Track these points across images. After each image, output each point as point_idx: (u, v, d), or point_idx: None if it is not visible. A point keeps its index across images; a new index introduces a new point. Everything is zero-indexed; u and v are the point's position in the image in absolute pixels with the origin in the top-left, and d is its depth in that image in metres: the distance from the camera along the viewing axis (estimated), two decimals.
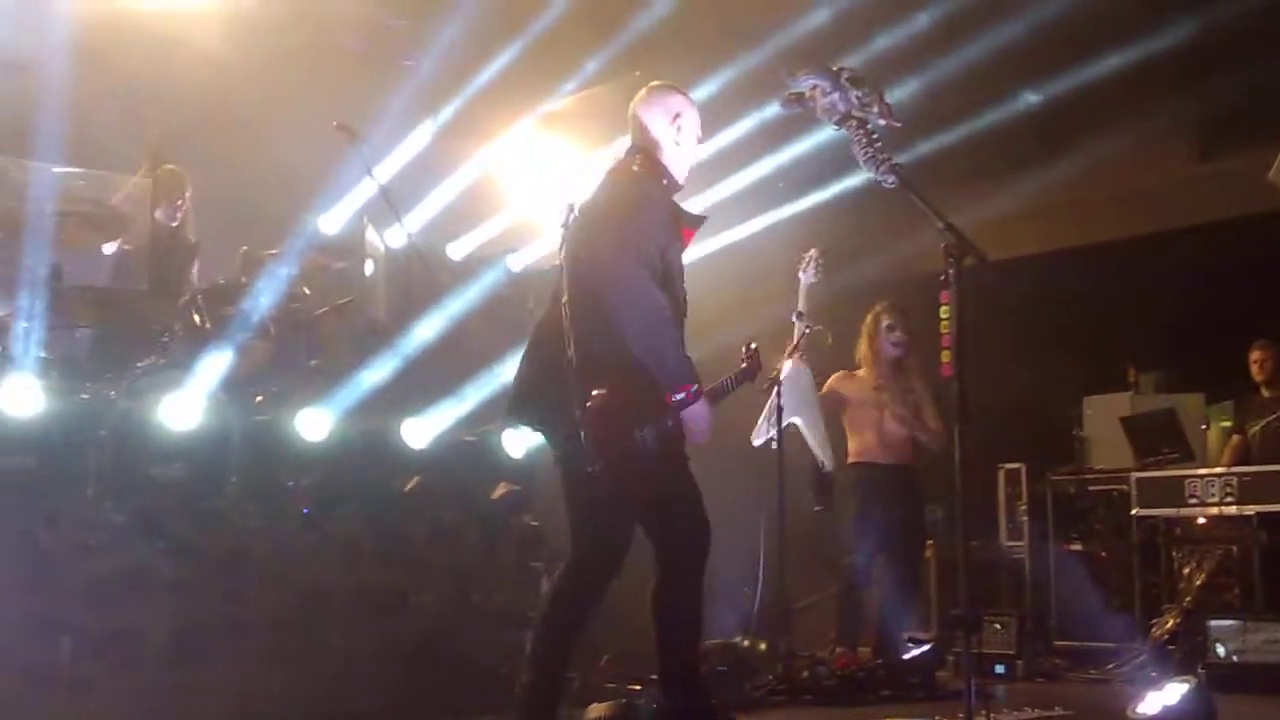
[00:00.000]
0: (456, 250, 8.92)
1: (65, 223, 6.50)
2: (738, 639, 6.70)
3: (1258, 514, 7.49)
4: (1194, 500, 7.76)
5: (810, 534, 7.63)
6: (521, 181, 9.71)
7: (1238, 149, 9.08)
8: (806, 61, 4.55)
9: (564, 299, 4.48)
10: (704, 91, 8.00)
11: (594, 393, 4.26)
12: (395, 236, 7.62)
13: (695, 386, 4.46)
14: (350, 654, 5.83)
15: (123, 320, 6.78)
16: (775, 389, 7.04)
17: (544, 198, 9.38)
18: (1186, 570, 7.72)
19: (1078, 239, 9.85)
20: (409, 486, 6.41)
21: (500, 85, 8.68)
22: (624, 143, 4.90)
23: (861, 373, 7.66)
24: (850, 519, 7.52)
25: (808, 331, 7.24)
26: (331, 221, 8.28)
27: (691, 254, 4.86)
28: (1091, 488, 8.52)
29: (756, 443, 7.05)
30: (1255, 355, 8.33)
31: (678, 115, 4.76)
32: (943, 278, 4.20)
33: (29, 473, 5.53)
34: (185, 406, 5.87)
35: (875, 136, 4.41)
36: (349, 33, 8.57)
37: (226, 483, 5.99)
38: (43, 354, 6.09)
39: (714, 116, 8.36)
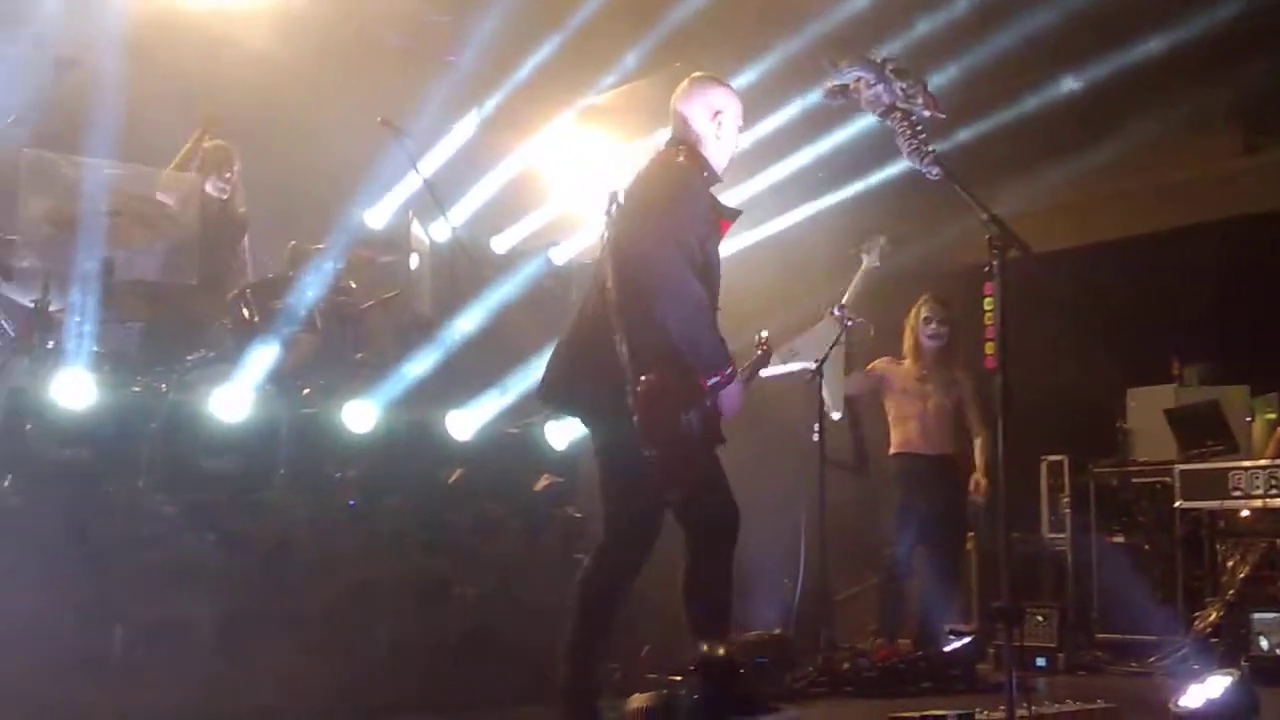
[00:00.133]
0: (500, 243, 8.97)
1: (117, 219, 6.59)
2: (778, 630, 6.71)
3: None
4: (1238, 493, 7.69)
5: (851, 525, 7.64)
6: (564, 175, 9.75)
7: None
8: (850, 53, 4.56)
9: (608, 285, 4.52)
10: (743, 80, 8.01)
11: (642, 378, 4.31)
12: (440, 230, 7.68)
13: (730, 369, 4.53)
14: (395, 644, 5.90)
15: (173, 314, 6.89)
16: (819, 379, 7.09)
17: (586, 191, 9.42)
18: (1230, 563, 7.66)
19: (1121, 231, 9.79)
20: (453, 478, 6.48)
21: (542, 79, 8.73)
22: (665, 135, 4.92)
23: (906, 363, 7.67)
24: (892, 510, 7.54)
25: (850, 325, 7.28)
26: (377, 216, 8.36)
27: (731, 245, 4.91)
28: (1135, 480, 8.46)
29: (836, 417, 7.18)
30: None
31: (719, 111, 4.80)
32: (987, 269, 4.20)
33: (82, 464, 5.64)
34: (234, 399, 5.96)
35: (919, 128, 4.42)
36: (393, 29, 8.65)
37: (274, 474, 6.08)
38: (95, 348, 6.18)
39: (753, 106, 8.38)
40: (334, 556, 5.91)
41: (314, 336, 6.84)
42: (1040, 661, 7.55)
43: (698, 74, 4.95)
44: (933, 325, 7.57)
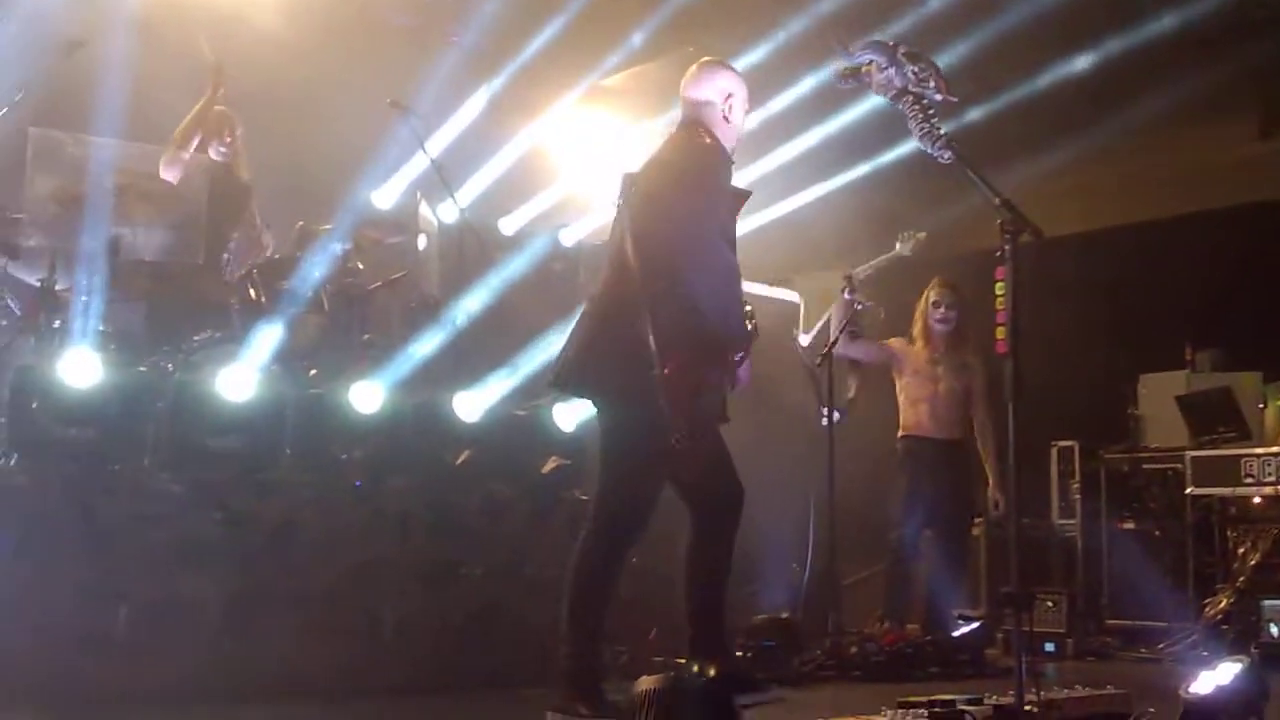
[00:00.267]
0: (508, 225, 8.94)
1: (123, 197, 6.57)
2: (786, 614, 6.70)
3: None
4: (1250, 479, 7.66)
5: (860, 510, 7.62)
6: (572, 156, 9.72)
7: None
8: (861, 36, 4.53)
9: (629, 266, 4.51)
10: (751, 60, 7.98)
11: (669, 358, 4.32)
12: (448, 211, 7.65)
13: (749, 343, 4.65)
14: (401, 624, 5.89)
15: (178, 293, 6.87)
16: (828, 363, 7.08)
17: (594, 172, 9.40)
18: (1241, 550, 7.64)
19: (1135, 216, 9.74)
20: (460, 460, 6.46)
21: (549, 59, 8.68)
22: (674, 116, 4.94)
23: (918, 346, 7.63)
24: (898, 493, 7.50)
25: (860, 309, 7.28)
26: (385, 196, 8.34)
27: (740, 227, 4.90)
28: (1146, 466, 8.43)
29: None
30: None
31: (729, 94, 4.83)
32: (998, 254, 4.17)
33: (88, 443, 5.63)
34: (240, 379, 5.94)
35: (931, 112, 4.38)
36: (398, 9, 8.60)
37: (280, 455, 6.07)
38: (101, 327, 6.17)
39: (761, 85, 8.34)
40: (340, 537, 5.89)
41: (321, 317, 6.82)
42: (1049, 647, 7.54)
43: (706, 58, 4.98)
44: (941, 310, 7.54)
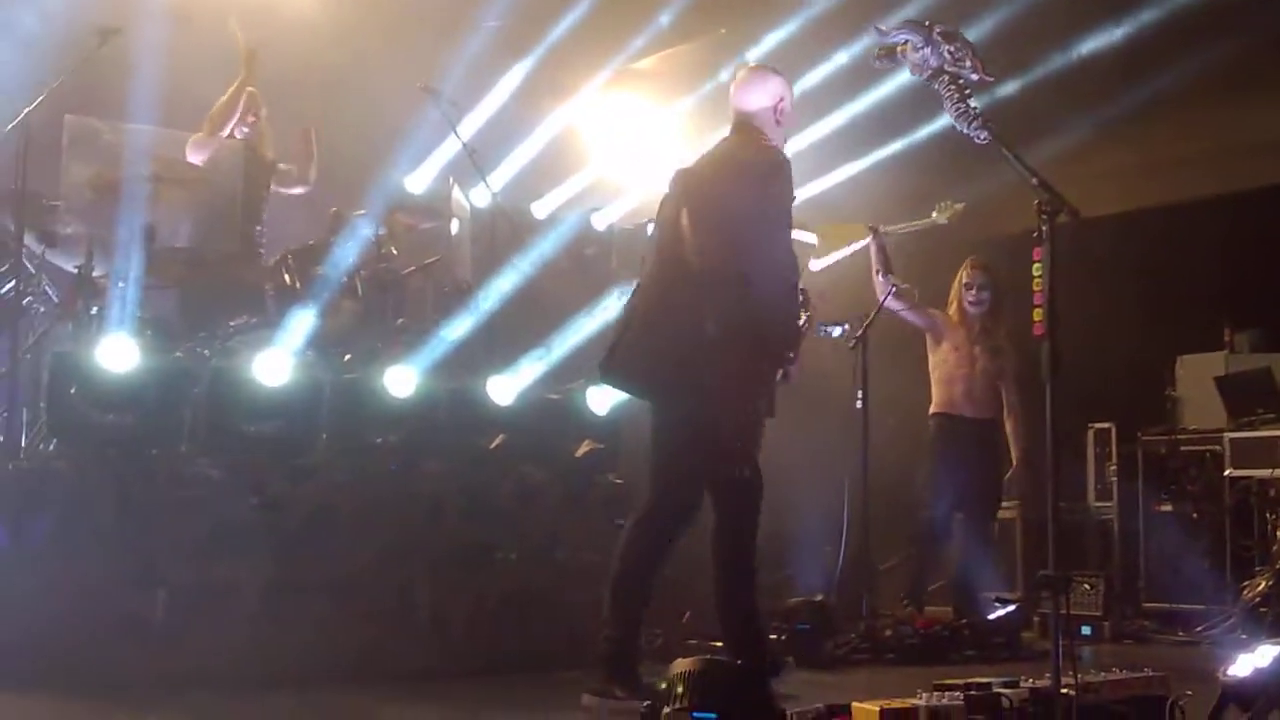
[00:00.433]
0: (541, 208, 8.94)
1: (158, 184, 6.60)
2: (820, 597, 6.68)
3: None
4: None
5: (893, 492, 7.60)
6: (604, 139, 9.69)
7: None
8: (896, 17, 4.50)
9: (685, 261, 4.64)
10: (781, 35, 7.95)
11: (732, 357, 4.50)
12: (480, 196, 7.65)
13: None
14: (436, 608, 5.91)
15: (213, 279, 6.90)
16: (862, 345, 7.06)
17: (626, 155, 9.38)
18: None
19: (1172, 196, 9.64)
20: (494, 444, 6.47)
21: (580, 41, 8.66)
22: (703, 99, 5.03)
23: (955, 324, 7.58)
24: (930, 471, 7.45)
25: (894, 289, 7.26)
26: (418, 181, 8.35)
27: None
28: (1184, 448, 8.37)
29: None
30: None
31: (780, 98, 4.98)
32: (1035, 235, 4.13)
33: (126, 429, 5.67)
34: (276, 365, 5.97)
35: (967, 91, 4.35)
36: None
37: (316, 440, 6.09)
38: (138, 313, 6.20)
39: (793, 63, 8.30)
40: (374, 521, 5.91)
41: (355, 302, 6.84)
42: (1086, 630, 7.50)
43: (755, 64, 5.23)
44: (974, 291, 7.49)
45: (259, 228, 7.22)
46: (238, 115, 7.31)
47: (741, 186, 4.73)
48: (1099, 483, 8.55)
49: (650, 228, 8.60)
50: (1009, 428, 7.47)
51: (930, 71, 4.38)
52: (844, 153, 9.12)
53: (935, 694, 3.85)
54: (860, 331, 7.16)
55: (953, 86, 4.35)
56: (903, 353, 7.80)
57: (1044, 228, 4.12)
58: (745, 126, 4.94)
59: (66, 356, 5.78)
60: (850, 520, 7.05)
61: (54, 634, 5.05)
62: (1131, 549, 8.32)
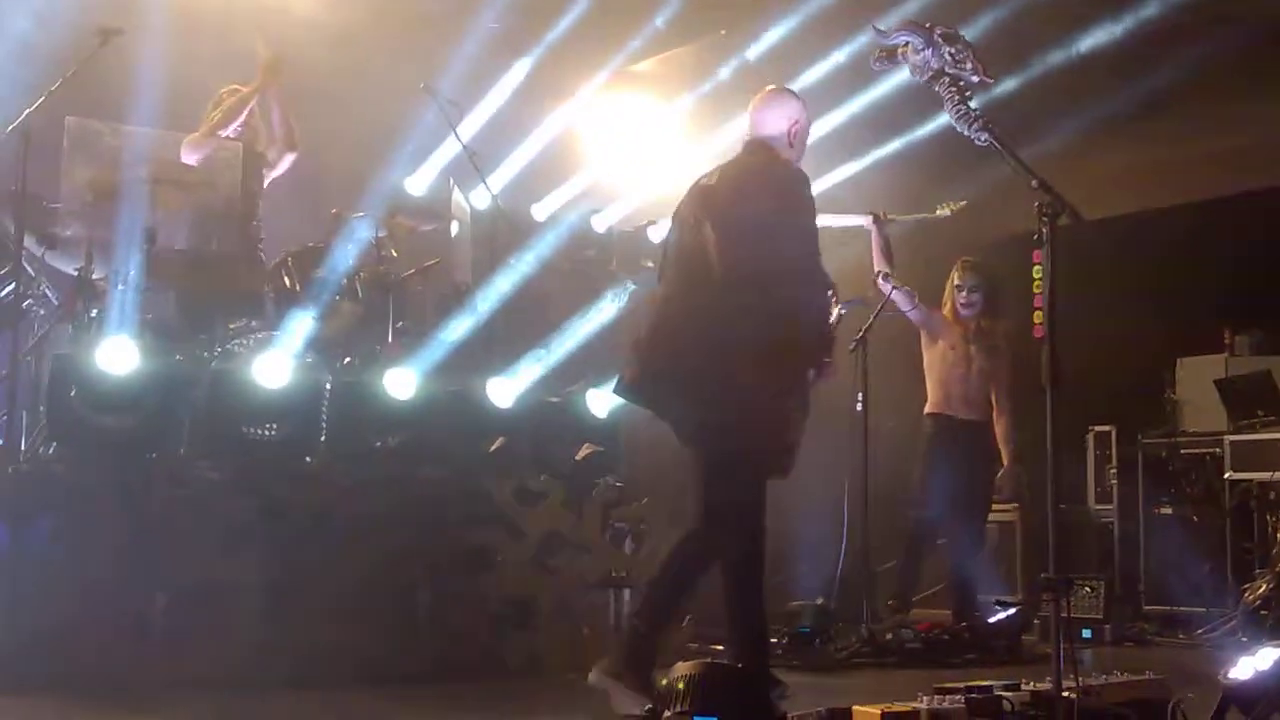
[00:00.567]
0: (541, 210, 8.94)
1: (158, 187, 6.60)
2: (820, 600, 6.68)
3: None
4: None
5: (894, 496, 7.59)
6: (604, 140, 9.69)
7: None
8: (896, 18, 4.50)
9: (709, 279, 4.70)
10: (781, 32, 7.93)
11: (770, 373, 4.58)
12: (480, 197, 7.65)
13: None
14: (436, 611, 5.91)
15: (213, 282, 6.88)
16: (862, 348, 7.05)
17: (626, 156, 9.37)
18: None
19: (1172, 198, 9.63)
20: (494, 447, 6.46)
21: (580, 42, 8.65)
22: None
23: (951, 324, 7.55)
24: (922, 471, 7.42)
25: (894, 292, 7.24)
26: (418, 183, 8.34)
27: None
28: (1184, 451, 8.38)
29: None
30: None
31: (796, 122, 5.03)
32: (1035, 237, 4.13)
33: (126, 431, 5.66)
34: (276, 367, 5.97)
35: (968, 94, 4.34)
36: None
37: (316, 442, 6.09)
38: (138, 316, 6.19)
39: (791, 61, 8.27)
40: (375, 524, 5.90)
41: (355, 305, 6.83)
42: (1087, 633, 7.49)
43: (774, 87, 5.21)
44: (964, 293, 7.46)
45: (256, 223, 7.20)
46: (238, 122, 7.29)
47: (768, 199, 4.79)
48: (1099, 485, 8.55)
49: (650, 231, 8.67)
50: (998, 429, 7.44)
51: (931, 73, 4.37)
52: (843, 152, 9.10)
53: (936, 697, 3.85)
54: (860, 334, 7.15)
55: (953, 88, 4.35)
56: (902, 354, 7.78)
57: (1045, 230, 4.12)
58: (761, 147, 5.00)
59: (66, 359, 5.78)
60: (850, 523, 7.04)
61: (55, 637, 5.06)
62: (1132, 552, 8.32)
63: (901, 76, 4.60)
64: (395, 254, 7.27)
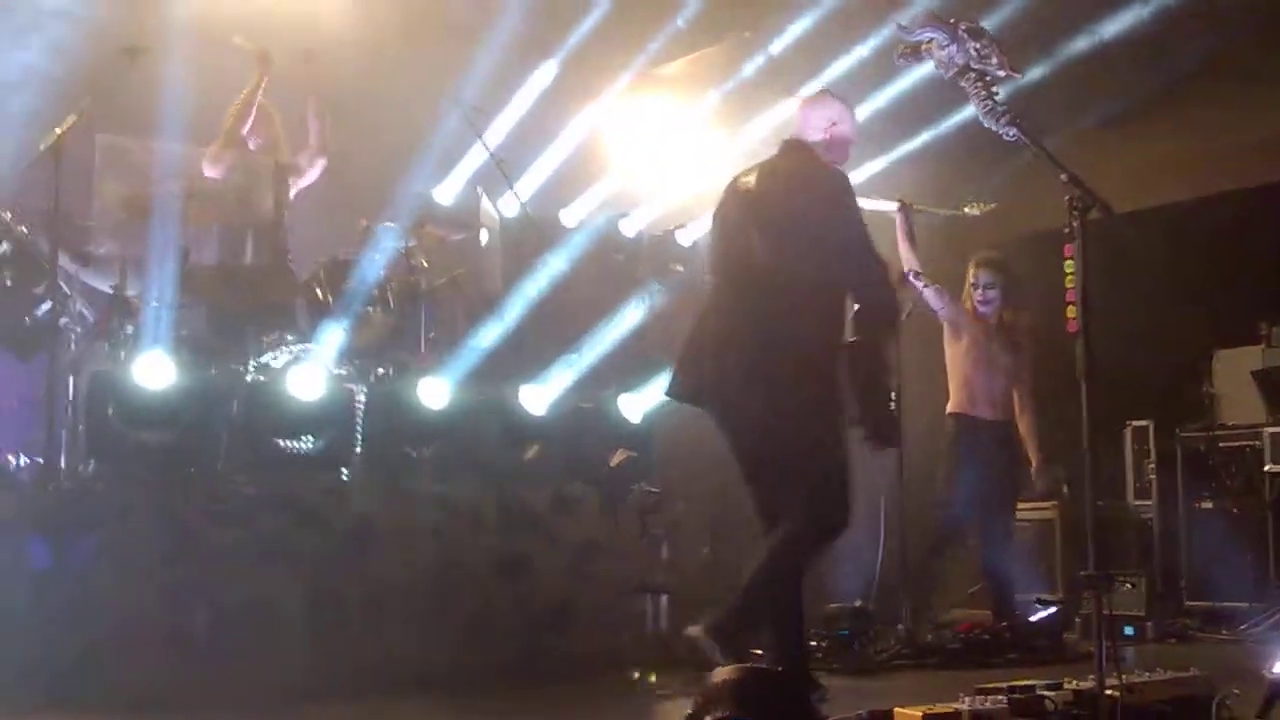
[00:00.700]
0: (569, 216, 8.95)
1: (189, 201, 6.65)
2: (859, 603, 6.65)
3: None
4: None
5: (929, 495, 7.54)
6: (629, 143, 9.68)
7: None
8: (922, 14, 4.48)
9: (757, 281, 4.84)
10: (799, 29, 7.90)
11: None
12: (509, 205, 7.66)
13: None
14: (476, 620, 5.92)
15: (245, 296, 6.92)
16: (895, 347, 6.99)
17: (652, 159, 9.36)
18: None
19: (1206, 188, 9.55)
20: (529, 455, 6.47)
21: (603, 45, 8.66)
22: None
23: (972, 321, 7.48)
24: (947, 470, 7.34)
25: (925, 290, 7.19)
26: (446, 192, 8.37)
27: None
28: (1222, 444, 8.29)
29: None
30: None
31: (834, 123, 5.11)
32: (1066, 231, 4.10)
33: (163, 447, 5.70)
34: (310, 380, 5.99)
35: (995, 89, 4.33)
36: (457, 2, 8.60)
37: (351, 454, 6.11)
38: (173, 332, 6.23)
39: (813, 58, 8.23)
40: (413, 535, 5.93)
41: (387, 315, 6.86)
42: (1128, 630, 7.42)
43: (821, 90, 5.42)
44: (980, 290, 7.37)
45: (283, 234, 7.23)
46: (249, 123, 7.31)
47: (809, 202, 4.89)
48: (1138, 480, 8.48)
49: (679, 234, 8.66)
50: (1022, 426, 7.37)
51: (956, 69, 4.36)
52: (870, 145, 9.04)
53: (978, 698, 3.83)
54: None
55: (979, 84, 4.34)
56: (932, 352, 7.73)
57: (1075, 224, 4.09)
58: (799, 148, 5.09)
59: (104, 376, 5.82)
60: (888, 524, 7.00)
61: (99, 653, 5.09)
62: (1172, 547, 8.24)
63: (926, 69, 4.60)
64: (425, 264, 7.29)
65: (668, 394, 5.15)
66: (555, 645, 6.01)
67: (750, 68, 9.06)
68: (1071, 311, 4.11)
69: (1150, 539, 8.33)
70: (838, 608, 6.55)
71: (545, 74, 8.88)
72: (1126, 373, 6.93)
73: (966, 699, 3.80)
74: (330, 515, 5.78)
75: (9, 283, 6.20)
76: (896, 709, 3.72)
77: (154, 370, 5.67)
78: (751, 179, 5.03)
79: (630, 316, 7.52)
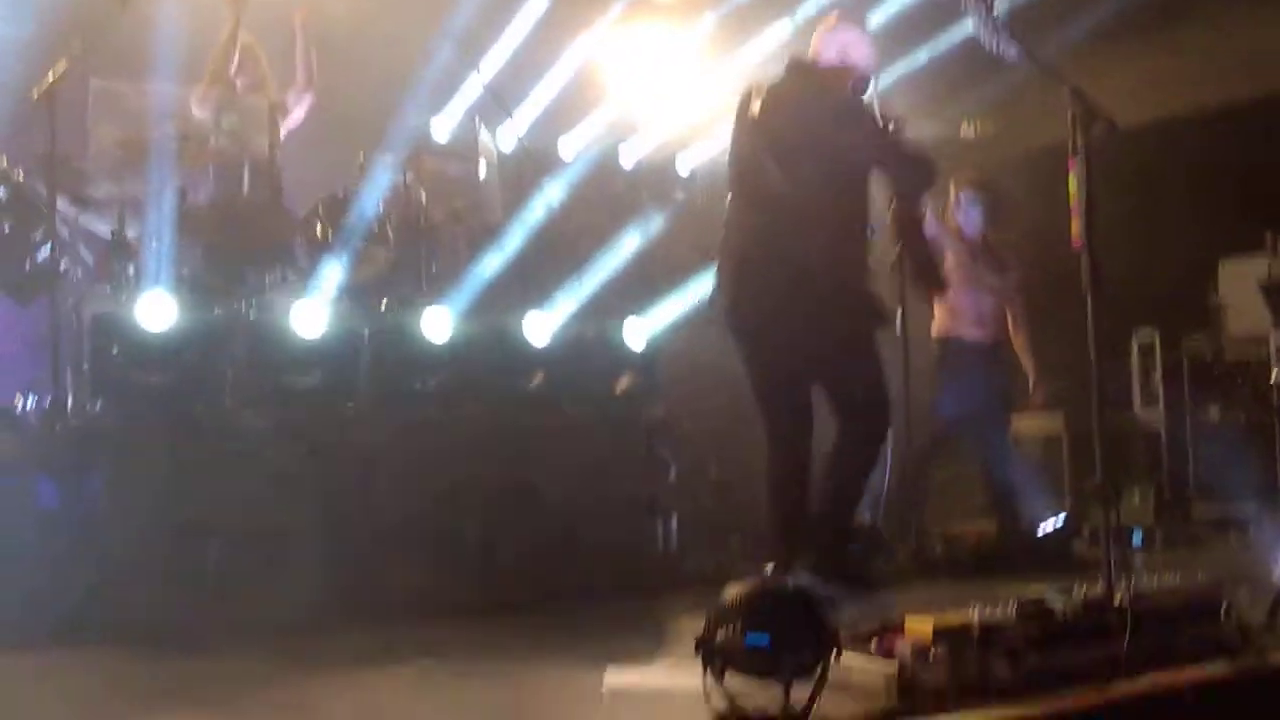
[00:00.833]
0: (567, 146, 8.89)
1: (185, 143, 6.61)
2: (869, 518, 6.67)
3: None
4: None
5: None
6: (625, 71, 9.60)
7: None
8: None
9: (788, 206, 4.97)
10: None
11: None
12: (507, 136, 7.62)
13: None
14: (485, 547, 5.96)
15: (242, 235, 6.89)
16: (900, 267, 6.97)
17: (648, 87, 9.29)
18: None
19: (1209, 99, 9.46)
20: (534, 384, 6.48)
21: None
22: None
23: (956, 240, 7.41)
24: (937, 392, 7.31)
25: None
26: (444, 124, 8.31)
27: None
28: (1228, 354, 8.29)
29: None
30: None
31: (846, 49, 5.27)
32: (1070, 145, 4.08)
33: (169, 386, 5.71)
34: (313, 316, 5.99)
35: (993, 5, 4.29)
36: None
37: (357, 388, 6.12)
38: (173, 272, 6.22)
39: None
40: (420, 465, 5.95)
41: (387, 250, 6.83)
42: (1137, 539, 7.46)
43: (834, 14, 5.48)
44: (962, 211, 7.31)
45: (278, 173, 7.19)
46: (235, 63, 7.26)
47: (825, 122, 5.04)
48: (1144, 391, 8.48)
49: (677, 160, 8.62)
50: (1017, 344, 7.35)
51: None
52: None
53: (988, 608, 3.85)
54: (898, 254, 7.05)
55: (980, 2, 4.30)
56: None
57: (1078, 138, 4.07)
58: (803, 71, 5.23)
59: (107, 318, 5.81)
60: (895, 440, 7.00)
61: (111, 588, 5.13)
62: (1180, 456, 8.27)
63: None
64: (424, 197, 7.26)
65: (716, 317, 5.29)
66: (564, 570, 6.04)
67: None
68: (1076, 226, 4.10)
69: (1158, 448, 8.35)
70: None
71: (539, 2, 8.80)
72: (1131, 285, 6.89)
73: (977, 609, 3.82)
74: (338, 447, 5.80)
75: (7, 229, 6.17)
76: (907, 618, 3.75)
77: (156, 311, 5.67)
78: (757, 105, 5.12)
79: (630, 243, 7.50)
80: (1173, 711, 3.62)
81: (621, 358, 6.80)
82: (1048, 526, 6.99)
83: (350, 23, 7.83)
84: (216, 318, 6.13)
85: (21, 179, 6.22)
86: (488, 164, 8.02)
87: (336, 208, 6.78)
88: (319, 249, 6.62)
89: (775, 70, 5.33)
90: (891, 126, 5.25)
